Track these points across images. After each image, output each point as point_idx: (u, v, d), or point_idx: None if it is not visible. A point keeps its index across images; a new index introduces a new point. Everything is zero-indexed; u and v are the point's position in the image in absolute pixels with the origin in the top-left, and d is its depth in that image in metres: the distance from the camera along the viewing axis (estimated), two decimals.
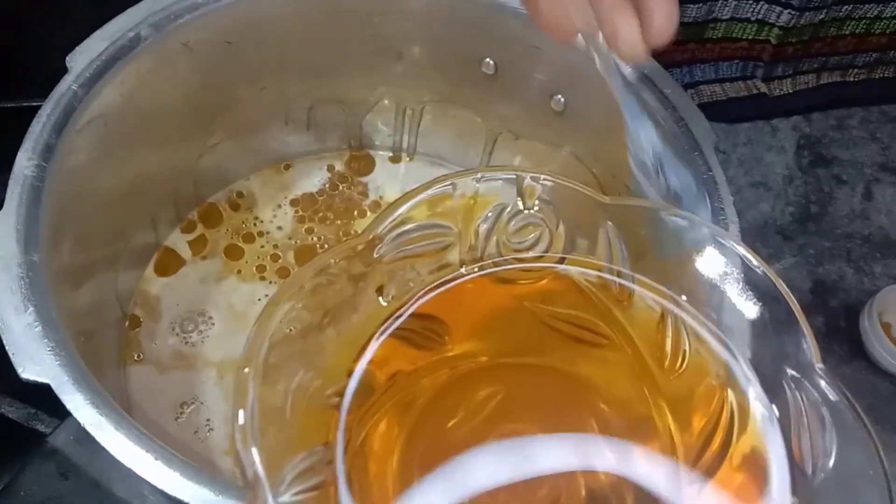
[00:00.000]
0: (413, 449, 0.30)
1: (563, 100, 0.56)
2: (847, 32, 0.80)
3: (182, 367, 0.56)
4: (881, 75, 0.84)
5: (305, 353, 0.29)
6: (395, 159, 0.67)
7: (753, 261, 0.30)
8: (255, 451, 0.25)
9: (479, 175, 0.32)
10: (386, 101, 0.63)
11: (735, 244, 0.31)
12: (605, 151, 0.56)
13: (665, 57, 0.77)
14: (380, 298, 0.31)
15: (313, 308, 0.29)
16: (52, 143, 0.45)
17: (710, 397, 0.30)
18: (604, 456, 0.30)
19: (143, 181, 0.55)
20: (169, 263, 0.60)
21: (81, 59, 0.47)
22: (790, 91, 0.83)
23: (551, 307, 0.32)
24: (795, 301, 0.29)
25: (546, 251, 0.32)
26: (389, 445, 0.30)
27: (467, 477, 0.29)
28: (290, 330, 0.29)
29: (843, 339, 0.71)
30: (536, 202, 0.32)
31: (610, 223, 0.31)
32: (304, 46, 0.56)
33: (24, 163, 0.44)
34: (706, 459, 0.29)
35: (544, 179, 0.31)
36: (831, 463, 0.27)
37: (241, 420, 0.26)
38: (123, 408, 0.53)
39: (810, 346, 0.29)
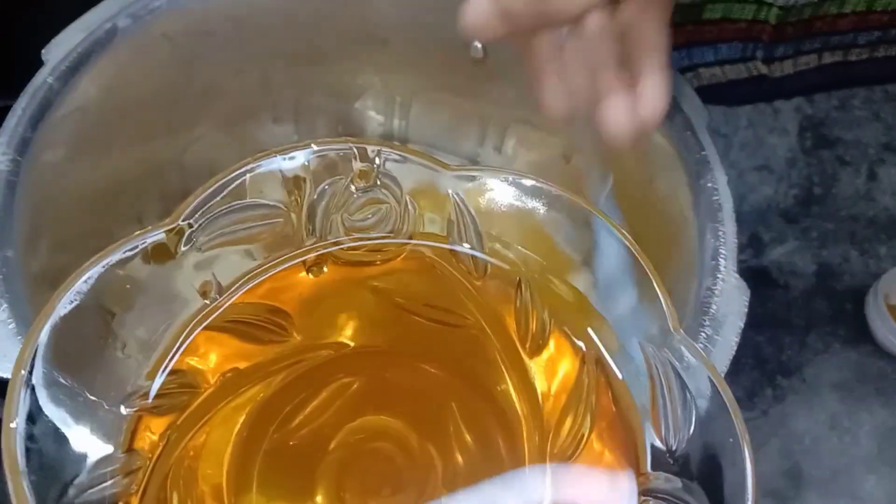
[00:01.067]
0: (250, 452, 0.27)
1: None
2: (848, 11, 0.79)
3: None
4: (884, 54, 0.82)
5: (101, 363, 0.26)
6: None
7: (605, 222, 0.28)
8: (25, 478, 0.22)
9: (311, 149, 0.29)
10: (373, 89, 0.62)
11: (590, 208, 0.29)
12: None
13: None
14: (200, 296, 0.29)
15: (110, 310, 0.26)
16: (27, 138, 0.44)
17: (572, 371, 0.29)
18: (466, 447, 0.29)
19: (126, 176, 0.54)
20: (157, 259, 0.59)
21: (57, 51, 0.47)
22: (791, 72, 0.81)
23: (404, 289, 0.30)
24: (648, 261, 0.28)
25: (393, 230, 0.30)
26: (220, 451, 0.27)
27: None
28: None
29: (849, 323, 0.70)
30: (378, 177, 0.29)
31: (457, 194, 0.29)
32: (288, 34, 0.55)
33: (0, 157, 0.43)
34: (570, 437, 0.28)
35: (384, 152, 0.29)
36: (691, 432, 0.26)
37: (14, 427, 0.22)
38: None
39: (668, 310, 0.27)
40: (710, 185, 0.46)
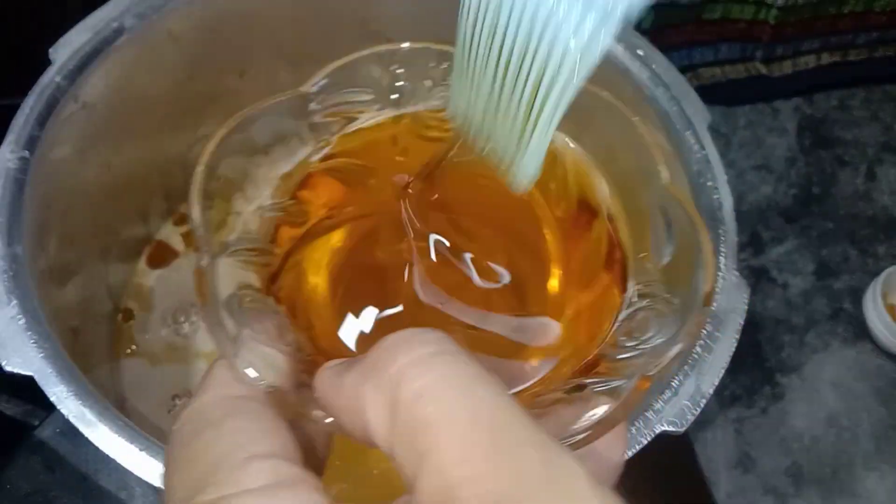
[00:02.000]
0: (347, 260, 0.34)
1: None
2: (847, 11, 0.79)
3: (174, 360, 0.56)
4: (882, 54, 0.83)
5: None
6: None
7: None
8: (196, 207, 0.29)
9: (405, 46, 0.34)
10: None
11: None
12: (599, 134, 0.56)
13: (663, 39, 0.77)
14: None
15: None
16: (35, 136, 0.44)
17: (589, 223, 0.34)
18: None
19: (131, 174, 0.55)
20: (162, 256, 0.60)
21: (64, 50, 0.47)
22: (790, 72, 0.82)
23: (464, 157, 0.34)
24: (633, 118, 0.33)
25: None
26: (322, 259, 0.33)
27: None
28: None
29: (848, 321, 0.71)
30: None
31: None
32: (292, 33, 0.56)
33: (7, 155, 0.43)
34: (588, 272, 0.34)
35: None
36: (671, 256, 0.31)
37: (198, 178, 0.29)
38: (116, 401, 0.53)
39: (660, 157, 0.32)
40: (709, 183, 0.46)
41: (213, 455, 0.23)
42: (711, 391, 0.40)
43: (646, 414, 0.39)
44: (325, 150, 0.35)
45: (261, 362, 0.26)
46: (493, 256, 0.34)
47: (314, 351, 0.29)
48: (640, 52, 0.50)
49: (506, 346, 0.32)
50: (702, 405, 0.40)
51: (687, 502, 0.63)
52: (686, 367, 0.40)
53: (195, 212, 0.29)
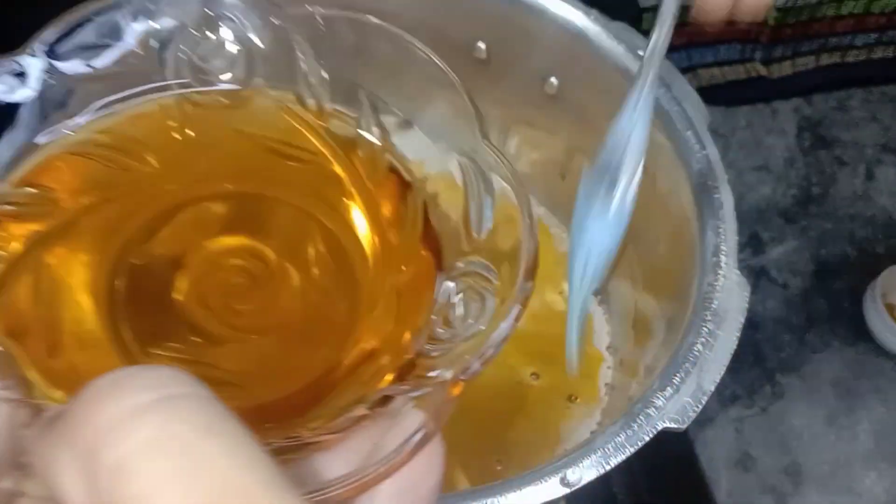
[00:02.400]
0: (116, 263, 0.28)
1: (556, 83, 0.56)
2: (845, 13, 0.80)
3: None
4: (881, 55, 0.83)
5: None
6: None
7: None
8: None
9: None
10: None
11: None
12: (600, 134, 0.56)
13: None
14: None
15: None
16: None
17: (403, 194, 0.31)
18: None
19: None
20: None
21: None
22: (790, 73, 0.82)
23: (254, 127, 0.31)
24: (454, 75, 0.29)
25: (246, 75, 0.30)
26: (85, 261, 0.28)
27: None
28: None
29: (847, 321, 0.71)
30: (220, 24, 0.29)
31: (297, 37, 0.30)
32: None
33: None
34: (404, 250, 0.30)
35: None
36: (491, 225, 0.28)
37: None
38: None
39: (477, 120, 0.28)
40: (710, 183, 0.46)
41: None
42: (713, 388, 0.40)
43: (647, 411, 0.39)
44: (75, 123, 0.29)
45: None
46: (294, 248, 0.30)
47: (57, 392, 0.24)
48: (640, 53, 0.50)
49: (313, 347, 0.29)
50: (703, 402, 0.40)
51: (687, 501, 0.63)
52: (687, 365, 0.41)
53: None
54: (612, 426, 0.39)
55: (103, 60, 0.29)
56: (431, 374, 0.25)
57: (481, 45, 0.56)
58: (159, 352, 0.27)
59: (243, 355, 0.25)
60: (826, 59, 0.83)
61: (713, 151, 0.48)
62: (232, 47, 0.31)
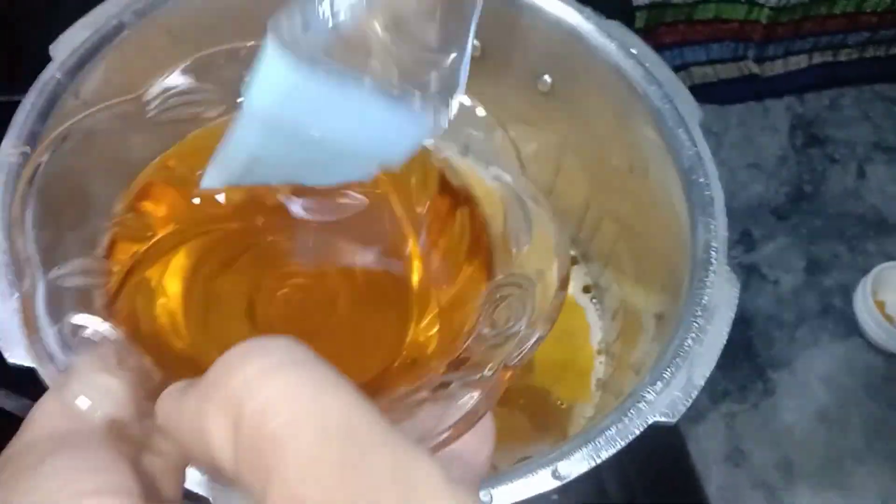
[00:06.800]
0: (197, 284, 0.32)
1: (549, 80, 0.56)
2: (838, 12, 0.80)
3: None
4: (873, 54, 0.84)
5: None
6: None
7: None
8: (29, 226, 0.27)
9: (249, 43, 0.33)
10: None
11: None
12: (593, 131, 0.56)
13: (655, 39, 0.77)
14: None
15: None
16: (36, 131, 0.45)
17: (450, 215, 0.34)
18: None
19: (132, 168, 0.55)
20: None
21: (64, 47, 0.47)
22: (782, 72, 0.83)
23: None
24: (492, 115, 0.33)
25: None
26: (174, 279, 0.31)
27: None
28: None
29: (838, 318, 0.71)
30: None
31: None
32: None
33: (9, 150, 0.44)
34: (451, 266, 0.33)
35: None
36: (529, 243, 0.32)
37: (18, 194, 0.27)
38: None
39: (514, 149, 0.32)
40: (701, 179, 0.47)
41: (33, 499, 0.21)
42: (703, 382, 0.41)
43: (638, 405, 0.40)
44: (165, 157, 0.32)
45: (95, 392, 0.24)
46: (352, 267, 0.33)
47: (164, 377, 0.27)
48: (633, 51, 0.51)
49: (368, 353, 0.31)
50: (693, 396, 0.40)
51: (678, 496, 0.64)
52: (678, 359, 0.41)
53: (20, 231, 0.27)
54: (603, 420, 0.39)
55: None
56: (481, 364, 0.28)
57: (475, 42, 0.57)
58: None
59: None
60: (818, 58, 0.83)
61: (704, 148, 0.48)
62: None
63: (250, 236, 0.33)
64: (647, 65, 0.50)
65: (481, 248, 0.32)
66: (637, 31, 0.52)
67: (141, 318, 0.30)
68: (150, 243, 0.31)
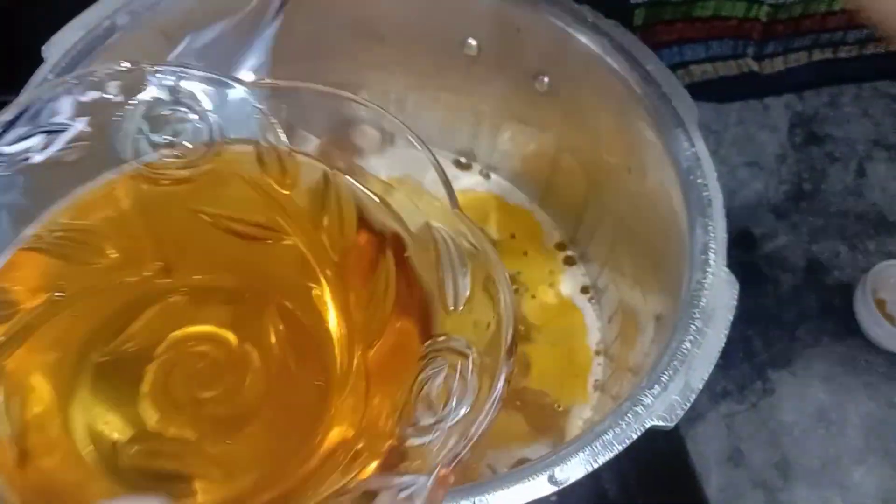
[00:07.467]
0: (79, 364, 0.28)
1: (547, 80, 0.56)
2: (837, 9, 0.79)
3: None
4: (873, 52, 0.83)
5: None
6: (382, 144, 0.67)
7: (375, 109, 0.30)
8: None
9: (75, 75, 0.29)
10: (369, 85, 0.62)
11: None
12: (591, 131, 0.56)
13: (654, 37, 0.77)
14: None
15: None
16: None
17: (375, 261, 0.30)
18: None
19: None
20: None
21: (57, 48, 0.47)
22: (782, 69, 0.82)
23: (217, 207, 0.30)
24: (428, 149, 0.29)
25: (199, 145, 0.30)
26: (49, 363, 0.28)
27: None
28: None
29: (838, 317, 0.71)
30: (176, 95, 0.30)
31: (260, 106, 0.30)
32: (283, 30, 0.56)
33: None
34: (376, 322, 0.29)
35: (174, 72, 0.29)
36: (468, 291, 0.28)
37: None
38: None
39: (447, 190, 0.28)
40: (699, 180, 0.46)
41: None
42: (701, 386, 0.40)
43: (636, 409, 0.39)
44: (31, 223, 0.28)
45: None
46: (264, 331, 0.29)
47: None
48: (630, 51, 0.51)
49: (283, 442, 0.28)
50: (691, 400, 0.40)
51: (678, 497, 0.63)
52: (676, 363, 0.41)
53: None
54: (600, 424, 0.39)
55: (55, 146, 0.28)
56: (416, 467, 0.23)
57: (472, 41, 0.56)
58: (126, 450, 0.27)
59: (214, 449, 0.24)
60: (818, 55, 0.83)
61: (702, 148, 0.48)
62: (187, 118, 0.30)
63: (140, 293, 0.29)
64: (645, 65, 0.50)
65: (412, 300, 0.28)
66: (635, 29, 0.51)
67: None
68: (12, 323, 0.27)
